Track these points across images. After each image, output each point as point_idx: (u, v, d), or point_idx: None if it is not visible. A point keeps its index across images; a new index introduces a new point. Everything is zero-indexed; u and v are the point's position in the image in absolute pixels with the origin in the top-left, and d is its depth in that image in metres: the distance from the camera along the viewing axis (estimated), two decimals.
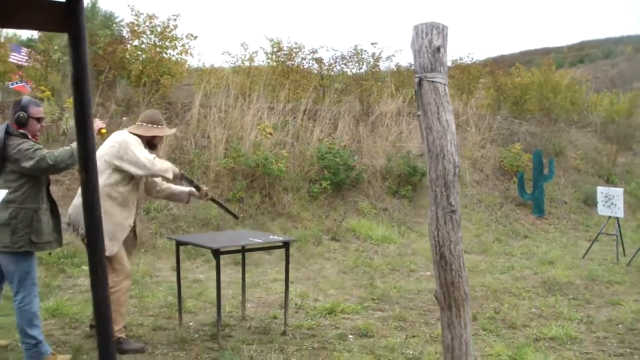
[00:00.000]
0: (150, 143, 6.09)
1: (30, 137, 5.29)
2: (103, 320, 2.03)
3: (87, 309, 7.05)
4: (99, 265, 2.01)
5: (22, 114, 5.21)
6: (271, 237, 6.76)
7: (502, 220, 13.81)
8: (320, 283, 8.83)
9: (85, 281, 8.48)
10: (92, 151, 2.06)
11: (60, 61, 12.52)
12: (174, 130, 6.85)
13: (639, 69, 52.62)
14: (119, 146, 5.77)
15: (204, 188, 6.48)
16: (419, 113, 4.43)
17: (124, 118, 12.16)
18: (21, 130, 5.25)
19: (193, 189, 6.47)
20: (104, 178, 5.75)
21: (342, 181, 12.91)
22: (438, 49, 4.30)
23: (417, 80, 4.35)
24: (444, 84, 4.36)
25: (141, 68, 12.49)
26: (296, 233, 11.19)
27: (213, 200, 6.91)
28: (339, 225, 11.83)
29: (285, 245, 6.49)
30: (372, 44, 26.46)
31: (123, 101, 12.43)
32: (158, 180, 6.34)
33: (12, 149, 5.12)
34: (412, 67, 4.46)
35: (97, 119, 5.77)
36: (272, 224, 11.52)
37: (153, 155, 5.86)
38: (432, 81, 4.31)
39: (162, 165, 5.87)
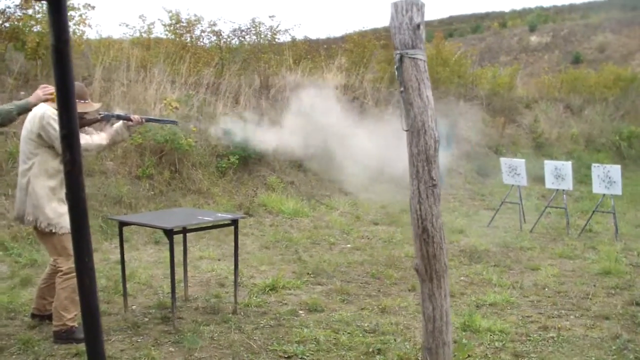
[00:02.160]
0: None
1: None
2: (90, 310, 1.92)
3: (17, 297, 6.70)
4: (85, 251, 1.91)
5: None
6: (219, 215, 6.63)
7: (404, 191, 14.13)
8: (247, 259, 8.75)
9: (2, 267, 8.03)
10: (75, 129, 1.94)
11: None
12: (99, 105, 6.39)
13: (504, 44, 55.11)
14: (39, 121, 5.41)
15: (134, 116, 6.07)
16: (401, 89, 4.47)
17: (22, 92, 11.55)
18: None
19: (125, 122, 5.99)
20: (38, 158, 5.47)
21: (249, 156, 12.82)
22: (418, 26, 4.34)
23: (397, 56, 4.38)
24: (424, 61, 4.42)
25: (37, 40, 11.82)
26: (209, 209, 11.02)
27: (149, 120, 6.65)
28: (252, 201, 11.77)
29: (234, 223, 6.41)
30: (270, 17, 26.33)
31: (20, 75, 11.74)
32: (94, 139, 5.84)
33: None
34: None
35: (48, 86, 5.43)
36: (184, 201, 11.30)
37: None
38: (413, 58, 4.35)
39: (87, 141, 5.60)
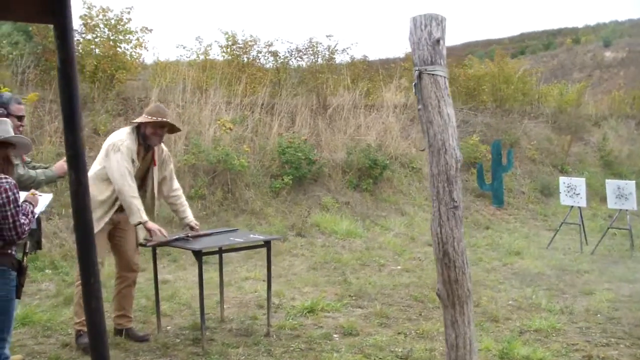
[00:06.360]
0: (145, 136, 5.98)
1: None
2: (97, 331, 1.87)
3: (57, 315, 6.77)
4: (91, 274, 1.84)
5: (0, 110, 4.91)
6: (252, 236, 6.56)
7: (463, 212, 13.82)
8: (292, 281, 8.67)
9: (49, 285, 8.17)
10: (81, 150, 1.88)
11: (10, 56, 12.01)
12: (140, 119, 6.21)
13: (578, 61, 53.82)
14: (107, 146, 5.89)
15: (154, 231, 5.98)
16: (419, 107, 4.31)
17: None
18: None
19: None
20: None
21: (303, 176, 12.76)
22: (438, 41, 4.19)
23: (416, 73, 4.23)
24: (444, 77, 4.26)
25: (95, 63, 12.10)
26: (261, 230, 10.98)
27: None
28: (304, 221, 11.67)
29: (267, 244, 6.33)
30: (327, 36, 26.34)
31: None
32: (174, 186, 6.42)
33: None
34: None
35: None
36: (236, 221, 11.29)
37: (135, 185, 5.78)
38: (433, 74, 4.20)
39: (133, 192, 5.73)
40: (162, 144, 6.28)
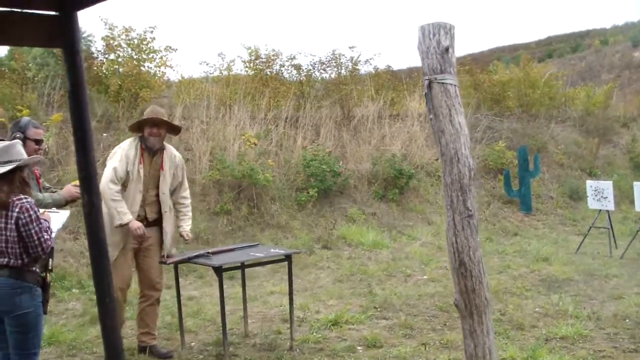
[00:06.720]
0: (145, 139, 6.06)
1: None
2: (113, 351, 1.89)
3: (83, 334, 6.84)
4: (106, 293, 1.85)
5: (18, 134, 4.97)
6: (272, 250, 6.57)
7: (491, 218, 13.75)
8: (318, 294, 8.66)
9: (76, 305, 8.25)
10: (93, 171, 1.88)
11: (35, 79, 12.21)
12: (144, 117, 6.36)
13: (606, 62, 53.24)
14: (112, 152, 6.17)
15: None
16: (430, 116, 4.30)
17: (104, 134, 11.95)
18: None
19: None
20: None
21: (329, 188, 12.75)
22: (447, 49, 4.18)
23: (426, 82, 4.22)
24: (455, 85, 4.24)
25: (120, 82, 12.24)
26: (287, 243, 11.00)
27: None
28: (330, 233, 11.67)
29: (288, 258, 6.33)
30: (350, 47, 26.27)
31: (102, 117, 12.16)
32: (183, 194, 6.47)
33: None
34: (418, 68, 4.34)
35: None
36: (262, 235, 11.32)
37: (117, 188, 5.86)
38: (442, 83, 4.18)
39: (112, 195, 5.82)
40: (173, 150, 6.31)
